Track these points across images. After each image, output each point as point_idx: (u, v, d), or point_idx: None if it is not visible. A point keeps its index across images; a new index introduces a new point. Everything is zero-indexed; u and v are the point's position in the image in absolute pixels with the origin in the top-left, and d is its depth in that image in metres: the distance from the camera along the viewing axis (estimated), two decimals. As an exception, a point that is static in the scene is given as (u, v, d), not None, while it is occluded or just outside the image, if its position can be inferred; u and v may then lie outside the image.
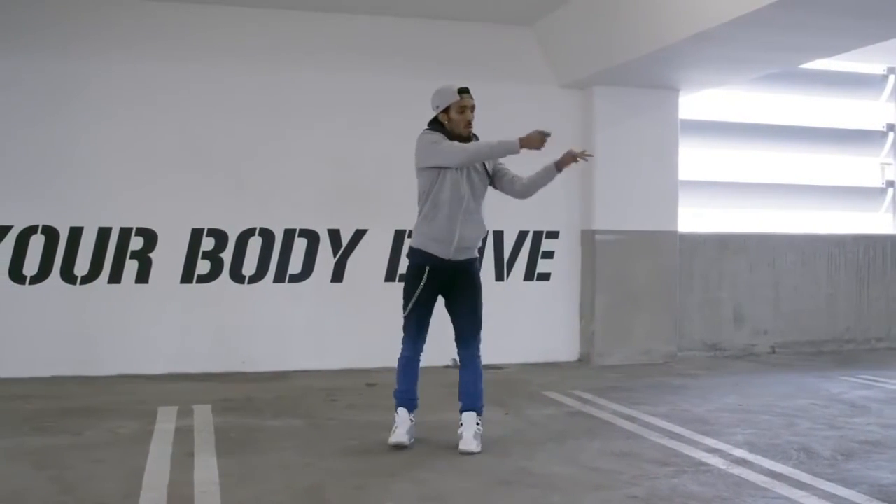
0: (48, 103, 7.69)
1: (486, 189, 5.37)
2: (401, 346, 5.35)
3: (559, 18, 8.27)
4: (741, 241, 9.59)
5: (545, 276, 8.80)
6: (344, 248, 8.23)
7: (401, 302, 5.32)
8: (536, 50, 8.73)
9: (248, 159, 8.05)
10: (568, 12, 8.10)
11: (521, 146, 5.06)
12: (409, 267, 5.34)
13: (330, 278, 8.22)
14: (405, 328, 5.32)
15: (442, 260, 5.21)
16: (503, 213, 8.62)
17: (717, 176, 9.90)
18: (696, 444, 5.41)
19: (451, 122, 5.22)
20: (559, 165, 5.25)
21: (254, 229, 8.10)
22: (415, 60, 8.42)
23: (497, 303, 8.55)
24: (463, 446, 5.14)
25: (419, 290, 5.23)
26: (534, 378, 7.86)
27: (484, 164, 5.31)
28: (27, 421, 5.92)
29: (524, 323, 8.70)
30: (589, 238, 8.78)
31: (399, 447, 5.21)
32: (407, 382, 5.30)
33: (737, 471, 4.84)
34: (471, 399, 5.28)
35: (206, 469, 4.76)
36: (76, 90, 7.75)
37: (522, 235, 8.74)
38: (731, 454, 5.19)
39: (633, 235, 8.77)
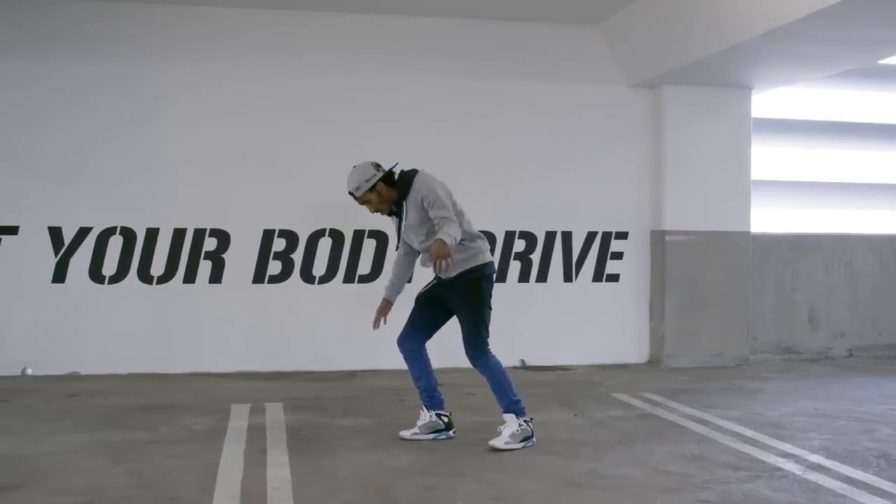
0: (125, 111, 7.91)
1: (427, 230, 5.29)
2: None
3: (627, 17, 8.18)
4: (816, 241, 9.37)
5: (614, 277, 8.72)
6: (412, 249, 8.27)
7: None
8: (605, 49, 8.66)
9: (318, 161, 8.13)
10: (636, 11, 8.01)
11: None
12: None
13: (398, 279, 8.27)
14: None
15: (441, 278, 5.39)
16: (572, 214, 8.61)
17: (791, 175, 9.67)
18: (770, 449, 5.30)
19: None
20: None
21: (324, 230, 8.20)
22: (482, 62, 8.44)
23: (565, 304, 8.59)
24: (491, 441, 5.24)
25: (422, 289, 5.55)
26: (603, 380, 7.79)
27: (416, 216, 5.31)
28: (106, 416, 6.10)
29: (593, 324, 8.64)
30: (659, 239, 8.67)
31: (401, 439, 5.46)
32: (413, 375, 5.52)
33: (813, 477, 4.72)
34: (501, 401, 5.33)
35: (279, 466, 4.83)
36: (152, 97, 7.94)
37: (591, 236, 8.67)
38: (806, 459, 5.07)
39: (704, 236, 8.64)
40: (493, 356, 5.32)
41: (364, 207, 5.49)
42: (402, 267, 5.66)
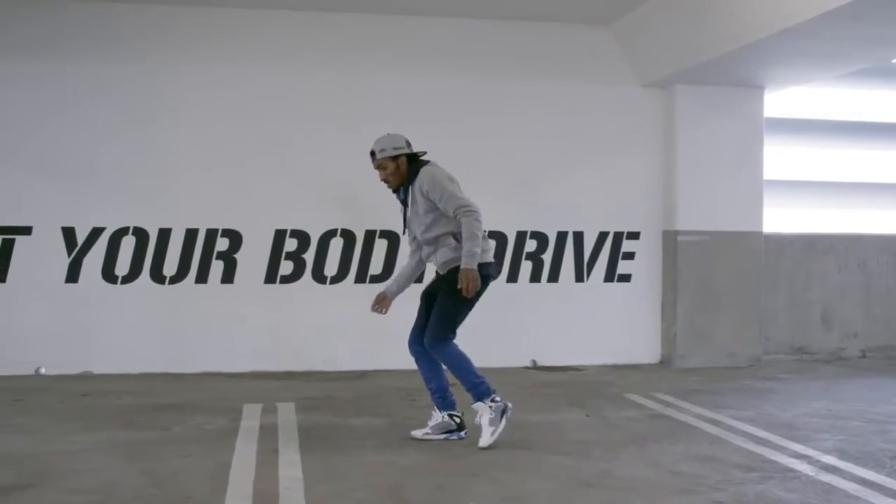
0: (137, 111, 7.94)
1: (430, 220, 5.35)
2: None
3: (639, 17, 8.16)
4: (829, 241, 9.33)
5: (626, 278, 8.71)
6: (423, 249, 8.28)
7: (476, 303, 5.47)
8: (616, 49, 8.64)
9: (329, 161, 8.16)
10: (648, 10, 7.99)
11: None
12: None
13: (410, 279, 8.28)
14: None
15: (440, 273, 5.47)
16: (583, 214, 8.60)
17: (804, 175, 9.63)
18: (783, 450, 5.28)
19: None
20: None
21: (335, 230, 8.22)
22: (495, 62, 8.45)
23: (577, 304, 8.57)
24: (479, 444, 5.23)
25: (426, 286, 5.64)
26: (614, 380, 7.78)
27: (423, 204, 5.35)
28: (119, 416, 6.12)
29: (604, 324, 8.63)
30: (671, 239, 8.65)
31: (413, 439, 5.46)
32: (424, 377, 5.51)
33: (826, 478, 4.70)
34: (465, 386, 5.32)
35: (290, 466, 4.84)
36: (164, 97, 7.98)
37: (603, 236, 8.66)
38: (819, 461, 5.05)
39: (716, 236, 8.61)
40: (453, 346, 5.34)
41: (373, 182, 5.57)
42: (409, 268, 5.73)
